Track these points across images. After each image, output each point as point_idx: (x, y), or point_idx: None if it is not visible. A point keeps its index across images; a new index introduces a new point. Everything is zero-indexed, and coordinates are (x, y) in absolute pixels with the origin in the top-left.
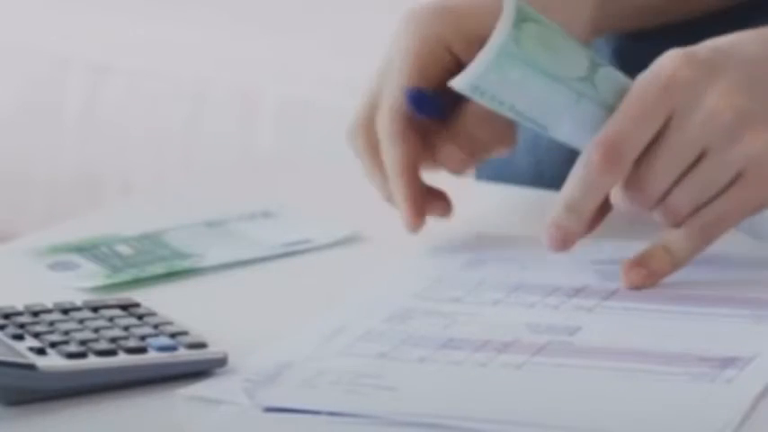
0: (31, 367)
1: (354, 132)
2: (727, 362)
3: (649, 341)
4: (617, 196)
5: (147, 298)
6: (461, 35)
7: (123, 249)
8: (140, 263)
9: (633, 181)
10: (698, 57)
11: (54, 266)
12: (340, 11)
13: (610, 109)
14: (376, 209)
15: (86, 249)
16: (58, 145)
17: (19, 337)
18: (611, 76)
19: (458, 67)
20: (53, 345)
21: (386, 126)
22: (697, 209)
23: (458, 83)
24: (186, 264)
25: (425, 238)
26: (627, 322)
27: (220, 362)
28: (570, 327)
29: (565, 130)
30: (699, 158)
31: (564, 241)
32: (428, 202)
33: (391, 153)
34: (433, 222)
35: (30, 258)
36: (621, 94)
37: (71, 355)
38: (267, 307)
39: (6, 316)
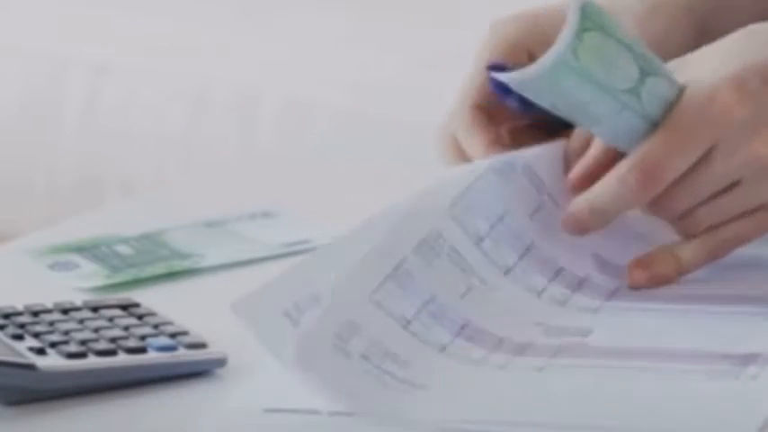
0: (31, 367)
1: (440, 142)
2: (748, 358)
3: (663, 340)
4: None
5: (147, 298)
6: (541, 39)
7: (123, 249)
8: (140, 263)
9: (660, 196)
10: (749, 88)
11: (54, 266)
12: (340, 11)
13: (651, 121)
14: (376, 209)
15: (86, 249)
16: (58, 145)
17: (19, 337)
18: (657, 87)
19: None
20: (53, 345)
21: (464, 121)
22: (716, 225)
23: (505, 77)
24: (186, 264)
25: None
26: (636, 322)
27: (220, 362)
28: (581, 328)
29: (601, 132)
30: (732, 185)
31: (579, 231)
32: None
33: (471, 143)
34: None
35: (30, 258)
36: (666, 106)
37: (71, 355)
38: None
39: (6, 316)
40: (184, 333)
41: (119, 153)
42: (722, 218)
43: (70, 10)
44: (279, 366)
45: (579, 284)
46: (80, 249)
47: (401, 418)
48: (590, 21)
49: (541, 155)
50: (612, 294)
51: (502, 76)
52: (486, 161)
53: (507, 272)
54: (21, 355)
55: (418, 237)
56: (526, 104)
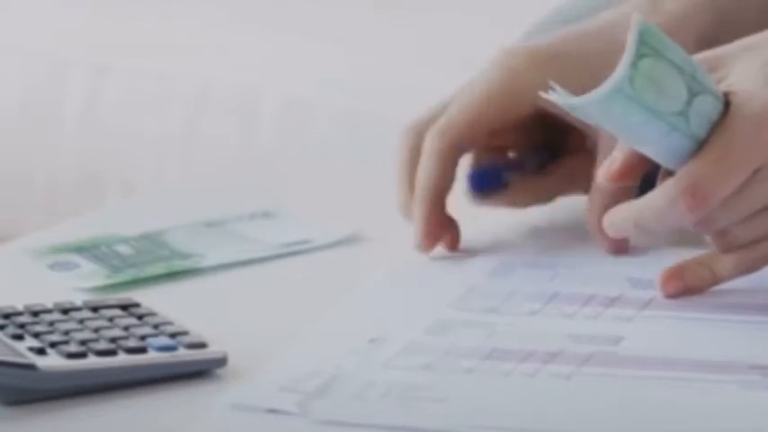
0: (31, 367)
1: (404, 133)
2: None
3: (694, 349)
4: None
5: (147, 298)
6: (547, 82)
7: (123, 249)
8: (140, 263)
9: (705, 218)
10: None
11: (54, 266)
12: (340, 10)
13: (698, 141)
14: (376, 209)
15: (86, 249)
16: (59, 145)
17: (19, 337)
18: (704, 105)
19: (532, 113)
20: (53, 345)
21: (432, 141)
22: (754, 241)
23: (557, 99)
24: (186, 264)
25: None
26: (669, 331)
27: (220, 362)
28: (613, 337)
29: (647, 152)
30: None
31: (618, 249)
32: (443, 229)
33: (427, 171)
34: None
35: (30, 258)
36: (711, 125)
37: (71, 355)
38: (267, 307)
39: (6, 316)
40: (184, 333)
41: (119, 153)
42: (759, 235)
43: (70, 10)
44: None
45: (611, 302)
46: (80, 249)
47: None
48: (647, 46)
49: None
50: (646, 305)
51: (554, 96)
52: (480, 267)
53: (533, 314)
54: (21, 355)
55: (422, 325)
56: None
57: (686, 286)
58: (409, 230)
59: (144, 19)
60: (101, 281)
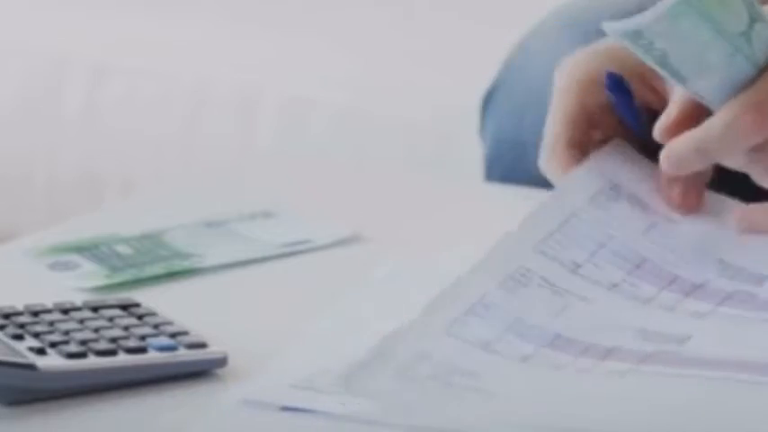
0: (31, 367)
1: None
2: None
3: (760, 352)
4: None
5: (147, 298)
6: (621, 69)
7: (123, 249)
8: (140, 263)
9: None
10: None
11: (54, 266)
12: (340, 10)
13: (758, 67)
14: (376, 209)
15: (86, 249)
16: (58, 145)
17: (19, 337)
18: (764, 31)
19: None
20: (53, 345)
21: (559, 162)
22: None
23: (621, 25)
24: (186, 264)
25: (427, 239)
26: (738, 332)
27: (220, 362)
28: (680, 335)
29: (706, 84)
30: None
31: (679, 168)
32: None
33: None
34: (440, 224)
35: (30, 258)
36: None
37: (71, 355)
38: (267, 307)
39: (6, 316)
40: (184, 333)
41: (118, 152)
42: None
43: (70, 10)
44: (278, 367)
45: (693, 289)
46: (80, 249)
47: (466, 427)
48: None
49: (640, 179)
50: (724, 300)
51: (613, 26)
52: (580, 196)
53: (612, 287)
54: (21, 355)
55: (503, 273)
56: (637, 120)
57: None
58: (409, 230)
59: (144, 19)
60: (101, 281)
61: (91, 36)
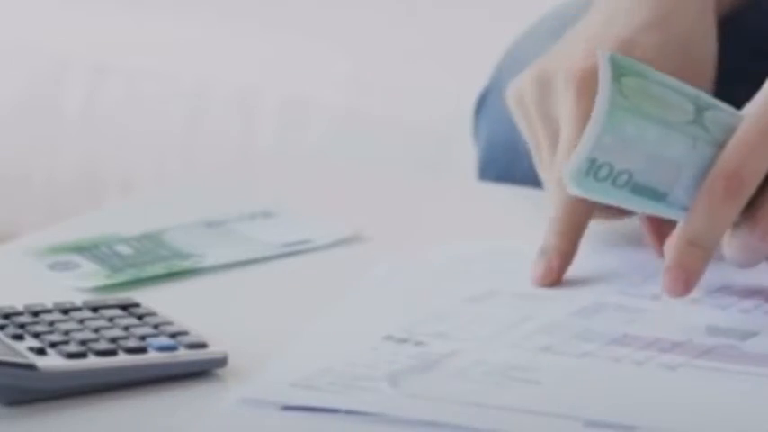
0: (31, 367)
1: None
2: None
3: None
4: (729, 246)
5: (147, 298)
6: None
7: (123, 249)
8: (140, 263)
9: (746, 217)
10: None
11: (54, 266)
12: (340, 10)
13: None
14: (376, 209)
15: (86, 249)
16: (58, 144)
17: (19, 337)
18: (718, 116)
19: None
20: (53, 345)
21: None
22: None
23: (571, 165)
24: (186, 264)
25: (426, 238)
26: None
27: (220, 362)
28: (745, 331)
29: (682, 189)
30: None
31: (687, 282)
32: None
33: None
34: (439, 225)
35: (30, 258)
36: (732, 131)
37: (71, 355)
38: (267, 307)
39: (6, 316)
40: (184, 333)
41: (119, 152)
42: None
43: (71, 9)
44: (279, 366)
45: None
46: (80, 249)
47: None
48: (623, 68)
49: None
50: None
51: (564, 171)
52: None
53: (692, 302)
54: (21, 355)
55: (580, 305)
56: None
57: None
58: (409, 229)
59: (144, 19)
60: (101, 281)
61: (91, 36)
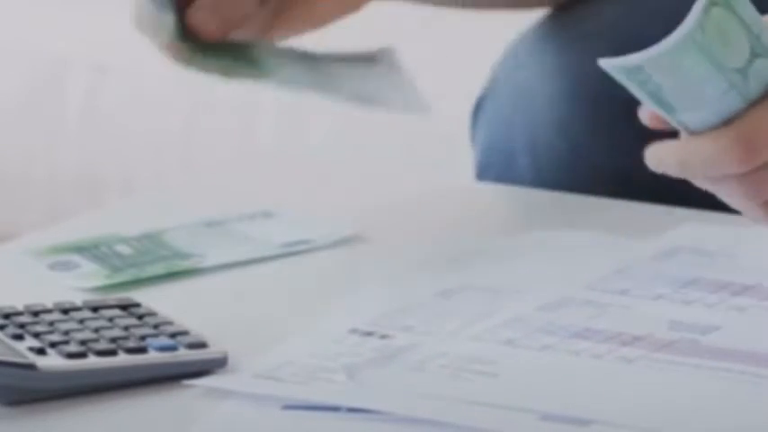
0: (31, 367)
1: None
2: None
3: None
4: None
5: (147, 298)
6: None
7: (123, 249)
8: (140, 263)
9: (755, 174)
10: None
11: (54, 266)
12: None
13: (749, 102)
14: (376, 209)
15: (86, 249)
16: (58, 144)
17: (19, 337)
18: (763, 69)
19: None
20: (53, 345)
21: None
22: None
23: (621, 61)
24: (186, 264)
25: (428, 240)
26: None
27: (220, 362)
28: (707, 326)
29: (693, 115)
30: None
31: (657, 168)
32: None
33: None
34: (437, 225)
35: (30, 258)
36: (766, 89)
37: (71, 355)
38: (267, 307)
39: (6, 316)
40: (184, 333)
41: (119, 152)
42: None
43: (71, 10)
44: (277, 365)
45: (743, 290)
46: (80, 249)
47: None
48: None
49: None
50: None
51: (617, 61)
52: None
53: (657, 298)
54: (21, 355)
55: (545, 300)
56: None
57: None
58: (408, 230)
59: None
60: (101, 281)
61: (91, 36)
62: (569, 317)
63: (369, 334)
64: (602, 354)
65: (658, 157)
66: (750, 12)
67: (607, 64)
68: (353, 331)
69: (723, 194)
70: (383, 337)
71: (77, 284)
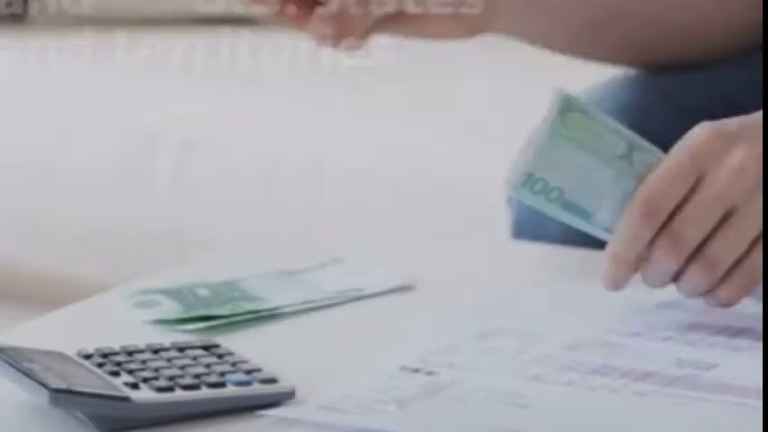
0: (126, 399)
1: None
2: None
3: None
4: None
5: (226, 340)
6: None
7: (202, 292)
8: (212, 303)
9: (667, 234)
10: (727, 130)
11: (140, 305)
12: (399, 86)
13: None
14: (426, 261)
15: (170, 292)
16: (149, 210)
17: (115, 374)
18: (646, 156)
19: None
20: (145, 380)
21: None
22: (736, 263)
23: (513, 175)
24: (249, 306)
25: (468, 290)
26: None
27: (289, 395)
28: (708, 363)
29: (605, 212)
30: (730, 214)
31: (615, 285)
32: None
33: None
34: (478, 276)
35: (122, 303)
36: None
37: (160, 389)
38: (329, 347)
39: (105, 355)
40: (258, 370)
41: (202, 218)
42: (735, 249)
43: (160, 89)
44: (338, 398)
45: (739, 332)
46: (165, 292)
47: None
48: (570, 105)
49: None
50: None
51: (509, 179)
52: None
53: (665, 339)
54: (117, 389)
55: (565, 341)
56: None
57: None
58: (452, 281)
59: (225, 99)
60: (173, 315)
61: (179, 112)
62: (589, 355)
63: (416, 371)
64: (618, 388)
65: (604, 275)
66: (611, 121)
67: (509, 185)
68: (403, 368)
69: (678, 284)
70: (429, 373)
71: (154, 318)
